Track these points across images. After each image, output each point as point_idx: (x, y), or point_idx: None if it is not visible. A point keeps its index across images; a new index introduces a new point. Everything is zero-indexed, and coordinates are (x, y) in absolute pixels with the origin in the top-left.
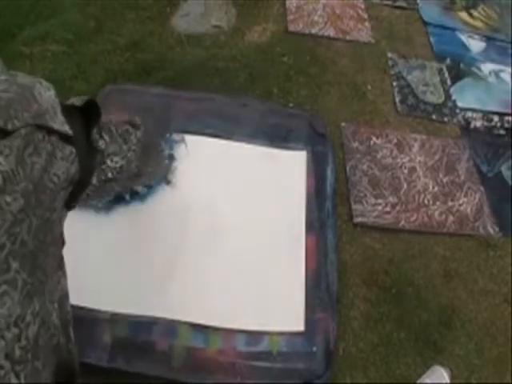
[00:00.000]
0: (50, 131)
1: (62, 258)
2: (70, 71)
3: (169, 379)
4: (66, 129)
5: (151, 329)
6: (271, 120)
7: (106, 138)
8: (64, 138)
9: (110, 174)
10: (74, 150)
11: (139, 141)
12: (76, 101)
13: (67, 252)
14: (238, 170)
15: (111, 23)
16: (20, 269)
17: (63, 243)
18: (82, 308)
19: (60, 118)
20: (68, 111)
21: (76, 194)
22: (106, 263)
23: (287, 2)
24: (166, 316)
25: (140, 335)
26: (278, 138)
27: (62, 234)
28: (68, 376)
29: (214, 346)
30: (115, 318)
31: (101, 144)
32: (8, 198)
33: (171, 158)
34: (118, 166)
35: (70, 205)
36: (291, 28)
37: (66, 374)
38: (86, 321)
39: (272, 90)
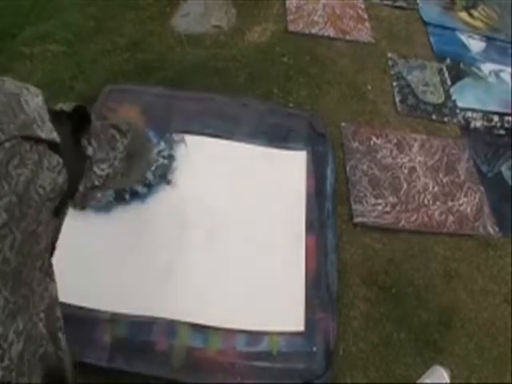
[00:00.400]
0: (38, 140)
1: (50, 266)
2: (70, 71)
3: (169, 379)
4: (54, 136)
5: (151, 329)
6: (271, 120)
7: (94, 144)
8: (52, 146)
9: (96, 182)
10: (60, 160)
11: (126, 148)
12: (65, 106)
13: (67, 252)
14: (238, 170)
15: (111, 23)
16: (1, 287)
17: (53, 250)
18: (81, 308)
19: (48, 125)
20: (56, 117)
21: (64, 202)
22: (106, 263)
23: (287, 2)
24: (166, 316)
25: (140, 335)
26: (277, 138)
27: (50, 243)
28: (59, 383)
29: (213, 346)
30: (115, 318)
31: (90, 151)
32: None
33: (171, 158)
34: (104, 173)
35: (59, 213)
36: (291, 28)
37: (57, 381)
38: (86, 321)
39: (272, 90)
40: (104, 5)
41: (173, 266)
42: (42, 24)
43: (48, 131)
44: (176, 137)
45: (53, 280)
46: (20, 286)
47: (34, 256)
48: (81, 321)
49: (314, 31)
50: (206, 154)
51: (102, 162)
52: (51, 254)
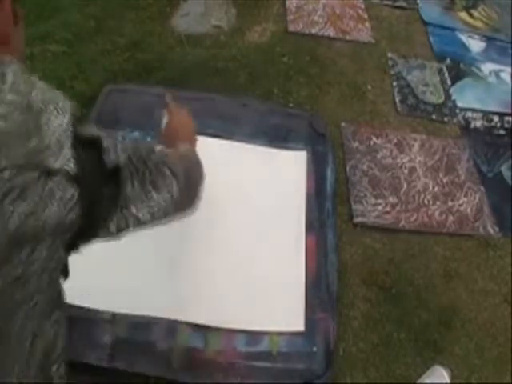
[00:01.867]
0: (49, 171)
1: (51, 304)
2: (70, 71)
3: (169, 379)
4: (70, 166)
5: (151, 329)
6: (271, 120)
7: (134, 177)
8: (70, 176)
9: (131, 223)
10: (76, 194)
11: (173, 198)
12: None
13: None
14: (238, 170)
15: (111, 23)
16: None
17: (67, 276)
18: (81, 308)
19: (66, 152)
20: (85, 141)
21: (84, 238)
22: (106, 263)
23: (287, 2)
24: (166, 316)
25: (140, 335)
26: (278, 138)
27: (48, 282)
28: None
29: (213, 346)
30: (115, 318)
31: (128, 187)
32: None
33: None
34: (141, 217)
35: (74, 248)
36: (291, 28)
37: None
38: (86, 321)
39: (272, 90)
40: (104, 5)
41: (173, 266)
42: (42, 24)
43: (64, 159)
44: None
45: (58, 321)
46: None
47: (18, 303)
48: (81, 321)
49: (314, 31)
50: (206, 153)
51: (142, 201)
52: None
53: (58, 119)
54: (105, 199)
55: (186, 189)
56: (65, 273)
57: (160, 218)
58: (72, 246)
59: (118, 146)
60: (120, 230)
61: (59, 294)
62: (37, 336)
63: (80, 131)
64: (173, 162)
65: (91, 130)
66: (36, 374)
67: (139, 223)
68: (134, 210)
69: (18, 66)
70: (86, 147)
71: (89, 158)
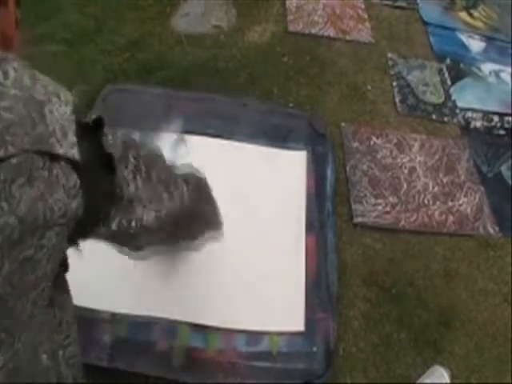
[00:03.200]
0: (54, 157)
1: (60, 287)
2: (70, 71)
3: (169, 379)
4: (74, 153)
5: (151, 329)
6: (271, 120)
7: (139, 180)
8: (73, 163)
9: (133, 223)
10: (78, 182)
11: (182, 202)
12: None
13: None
14: (238, 170)
15: (111, 23)
16: None
17: (66, 270)
18: (82, 308)
19: (70, 139)
20: (87, 130)
21: (85, 231)
22: (106, 263)
23: (287, 2)
24: (166, 316)
25: (140, 335)
26: (278, 138)
27: (53, 270)
28: None
29: (213, 346)
30: (115, 318)
31: (131, 187)
32: None
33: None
34: (145, 219)
35: (74, 240)
36: (291, 28)
37: None
38: (86, 321)
39: (272, 90)
40: (104, 5)
41: (173, 265)
42: (42, 24)
43: (68, 146)
44: (176, 137)
45: (54, 305)
46: (3, 319)
47: (27, 287)
48: (81, 321)
49: (314, 31)
50: (206, 153)
51: (149, 201)
52: (64, 272)
53: (61, 109)
54: (105, 192)
55: (197, 199)
56: (64, 267)
57: (167, 224)
58: (72, 239)
59: (117, 141)
60: (122, 230)
61: (64, 280)
62: (44, 323)
63: (82, 121)
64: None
65: (92, 119)
66: (44, 360)
67: (142, 225)
68: (139, 211)
69: (20, 62)
70: (88, 137)
71: (90, 148)
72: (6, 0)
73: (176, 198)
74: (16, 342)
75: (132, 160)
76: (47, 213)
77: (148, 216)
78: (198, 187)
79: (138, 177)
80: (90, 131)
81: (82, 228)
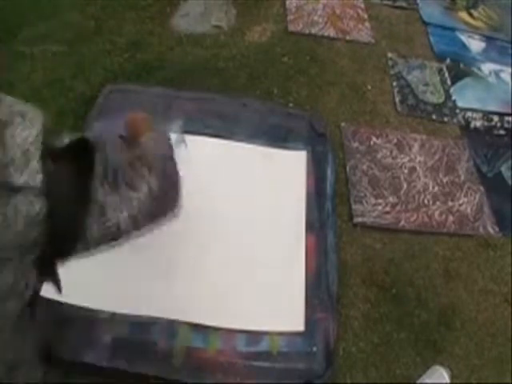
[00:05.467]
0: (13, 188)
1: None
2: (70, 71)
3: (169, 379)
4: (36, 181)
5: (151, 329)
6: (271, 120)
7: (107, 186)
8: (36, 191)
9: (113, 229)
10: (44, 210)
11: (151, 189)
12: (69, 138)
13: None
14: (238, 170)
15: (111, 23)
16: None
17: (60, 292)
18: (82, 308)
19: (32, 166)
20: (57, 154)
21: (66, 251)
22: (106, 263)
23: (287, 2)
24: (166, 316)
25: (140, 335)
26: (277, 138)
27: (23, 305)
28: None
29: (214, 346)
30: (115, 318)
31: (100, 194)
32: None
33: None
34: (122, 218)
35: (54, 262)
36: (291, 28)
37: None
38: (86, 321)
39: (272, 90)
40: (104, 5)
41: (173, 265)
42: (42, 24)
43: (30, 174)
44: (176, 137)
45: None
46: None
47: None
48: (81, 321)
49: (313, 31)
50: (206, 154)
51: (117, 207)
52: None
53: (25, 132)
54: (77, 209)
55: (165, 181)
56: (57, 288)
57: (143, 218)
58: (50, 262)
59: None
60: (100, 239)
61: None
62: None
63: (51, 143)
64: (147, 157)
65: (66, 138)
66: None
67: (120, 229)
68: (111, 216)
69: None
70: (59, 158)
71: (60, 168)
72: None
73: (144, 190)
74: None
75: (99, 167)
76: (2, 245)
77: (123, 218)
78: (163, 170)
79: (104, 184)
80: (61, 153)
81: (60, 249)
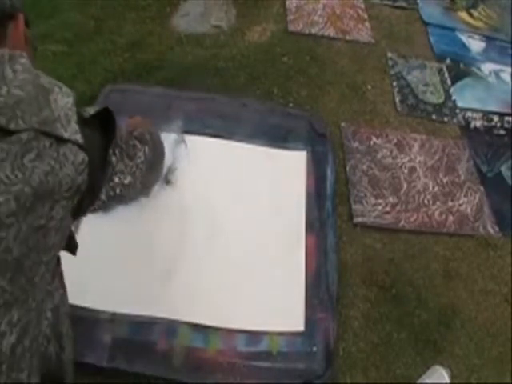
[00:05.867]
0: (60, 139)
1: (58, 272)
2: (70, 71)
3: (169, 379)
4: (78, 138)
5: (151, 329)
6: (271, 120)
7: (117, 153)
8: (79, 146)
9: (117, 190)
10: (86, 159)
11: (146, 158)
12: (92, 110)
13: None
14: (238, 170)
15: (111, 23)
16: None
17: (75, 247)
18: (82, 308)
19: (73, 126)
20: (87, 122)
21: (84, 206)
22: (106, 263)
23: (287, 2)
24: (166, 316)
25: (140, 335)
26: (277, 138)
27: (61, 241)
28: None
29: (214, 345)
30: (115, 318)
31: (114, 160)
32: None
33: (171, 158)
34: (126, 182)
35: (77, 215)
36: (291, 28)
37: (54, 382)
38: (86, 321)
39: (272, 90)
40: (104, 5)
41: (173, 265)
42: (42, 24)
43: (72, 132)
44: (176, 137)
45: (61, 287)
46: (20, 278)
47: (41, 250)
48: (81, 321)
49: (313, 31)
50: (206, 153)
51: (122, 172)
52: (74, 253)
53: (64, 99)
54: (102, 169)
55: (155, 149)
56: (74, 246)
57: (140, 177)
58: (77, 211)
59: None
60: (109, 198)
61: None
62: (48, 295)
63: (82, 113)
64: (139, 131)
65: (91, 110)
66: (48, 332)
67: (125, 187)
68: (117, 180)
69: (27, 59)
70: (87, 126)
71: (90, 134)
72: (16, 20)
73: (140, 157)
74: (30, 300)
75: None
76: (56, 186)
77: (124, 180)
78: (153, 142)
79: (116, 152)
80: (90, 122)
81: (85, 201)
